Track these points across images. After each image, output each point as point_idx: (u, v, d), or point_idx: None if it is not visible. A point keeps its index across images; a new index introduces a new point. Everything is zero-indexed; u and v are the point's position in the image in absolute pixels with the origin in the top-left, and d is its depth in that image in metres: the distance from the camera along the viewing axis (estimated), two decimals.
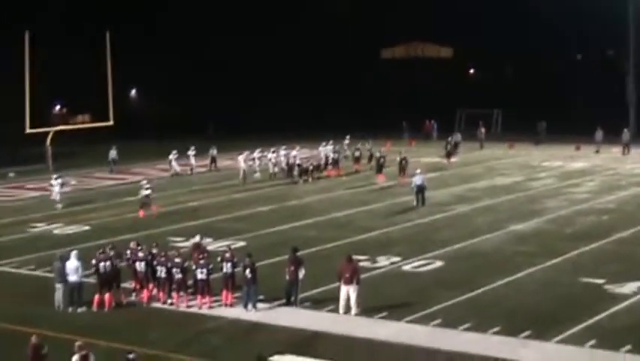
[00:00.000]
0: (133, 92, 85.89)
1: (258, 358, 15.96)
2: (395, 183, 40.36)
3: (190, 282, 21.45)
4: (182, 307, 21.08)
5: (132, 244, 22.58)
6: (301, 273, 20.92)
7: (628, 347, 17.80)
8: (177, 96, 75.42)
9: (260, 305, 20.89)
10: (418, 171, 35.52)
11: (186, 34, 75.28)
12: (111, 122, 51.51)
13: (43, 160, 49.92)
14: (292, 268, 20.96)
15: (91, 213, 35.11)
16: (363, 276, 21.36)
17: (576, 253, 26.16)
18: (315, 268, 22.72)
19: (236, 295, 21.15)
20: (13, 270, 25.81)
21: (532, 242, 27.94)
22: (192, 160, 47.04)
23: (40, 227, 32.38)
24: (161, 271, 21.31)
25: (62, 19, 68.21)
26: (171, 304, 21.28)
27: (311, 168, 43.07)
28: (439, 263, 25.22)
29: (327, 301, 21.02)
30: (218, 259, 21.57)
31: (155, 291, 21.65)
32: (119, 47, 51.98)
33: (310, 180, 42.30)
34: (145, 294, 21.67)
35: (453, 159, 49.30)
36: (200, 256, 21.51)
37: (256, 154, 45.17)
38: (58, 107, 77.07)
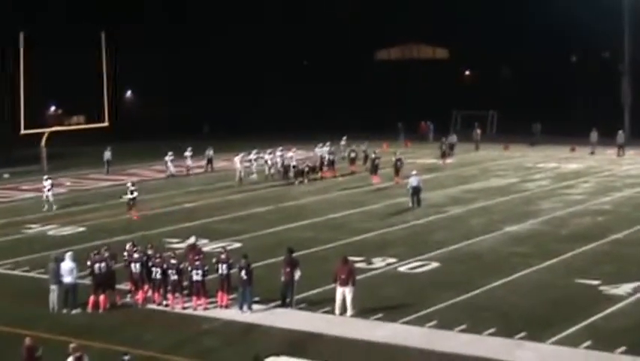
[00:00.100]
0: (128, 93, 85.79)
1: (253, 359, 15.94)
2: (391, 184, 40.38)
3: (185, 283, 21.38)
4: (178, 309, 21.03)
5: (128, 246, 22.50)
6: (297, 274, 20.87)
7: (623, 348, 17.80)
8: (173, 97, 75.43)
9: (255, 307, 20.84)
10: (414, 172, 35.51)
11: (183, 35, 75.28)
12: (106, 124, 51.43)
13: (38, 161, 49.80)
14: (288, 269, 20.92)
15: (86, 214, 35.05)
16: (358, 277, 21.32)
17: (571, 254, 26.17)
18: (311, 269, 22.68)
19: (232, 296, 21.11)
20: (7, 271, 25.71)
21: (527, 243, 27.96)
22: (189, 161, 47.00)
23: (35, 228, 32.27)
24: (157, 273, 21.22)
25: (57, 20, 68.11)
26: (166, 305, 21.22)
27: (306, 169, 43.08)
28: (434, 264, 25.23)
29: (323, 303, 20.99)
30: (214, 260, 21.50)
31: (150, 292, 21.58)
32: (115, 47, 51.91)
33: (306, 181, 42.31)
34: (140, 295, 21.58)
35: (448, 160, 49.37)
36: (196, 258, 21.45)
37: (252, 155, 45.18)
38: (53, 108, 76.97)
